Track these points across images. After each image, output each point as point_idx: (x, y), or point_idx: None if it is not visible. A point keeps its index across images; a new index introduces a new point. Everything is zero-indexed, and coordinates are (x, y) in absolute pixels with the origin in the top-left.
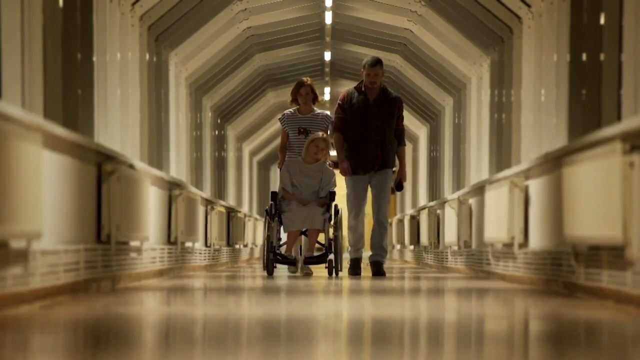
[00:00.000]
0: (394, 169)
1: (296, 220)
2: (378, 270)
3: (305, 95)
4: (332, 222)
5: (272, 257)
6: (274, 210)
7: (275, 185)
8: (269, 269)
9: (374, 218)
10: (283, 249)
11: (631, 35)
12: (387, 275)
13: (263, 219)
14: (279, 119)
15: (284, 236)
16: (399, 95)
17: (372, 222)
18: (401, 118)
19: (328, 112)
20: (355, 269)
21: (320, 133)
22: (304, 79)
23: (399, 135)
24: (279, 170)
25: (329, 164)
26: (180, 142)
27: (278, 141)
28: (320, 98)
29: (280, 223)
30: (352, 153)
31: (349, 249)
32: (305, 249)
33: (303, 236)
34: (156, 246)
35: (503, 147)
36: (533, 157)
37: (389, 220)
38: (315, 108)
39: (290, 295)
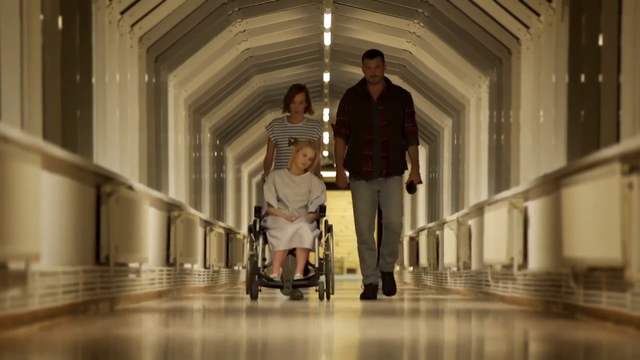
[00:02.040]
0: (405, 171)
1: (283, 239)
2: (390, 287)
3: (299, 103)
4: (323, 240)
5: (257, 279)
6: (258, 228)
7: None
8: (253, 292)
9: (383, 224)
10: (269, 270)
11: (629, 56)
12: (385, 297)
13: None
14: (266, 127)
15: (269, 256)
16: (406, 90)
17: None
18: (410, 114)
19: (318, 122)
20: (369, 294)
21: (308, 142)
22: (299, 84)
23: (410, 133)
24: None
25: (319, 176)
26: (179, 164)
27: None
28: (312, 108)
29: (265, 242)
30: (355, 158)
31: (362, 273)
32: (293, 271)
33: (291, 256)
34: (155, 268)
35: (502, 168)
36: (532, 178)
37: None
38: (306, 116)
39: (288, 317)
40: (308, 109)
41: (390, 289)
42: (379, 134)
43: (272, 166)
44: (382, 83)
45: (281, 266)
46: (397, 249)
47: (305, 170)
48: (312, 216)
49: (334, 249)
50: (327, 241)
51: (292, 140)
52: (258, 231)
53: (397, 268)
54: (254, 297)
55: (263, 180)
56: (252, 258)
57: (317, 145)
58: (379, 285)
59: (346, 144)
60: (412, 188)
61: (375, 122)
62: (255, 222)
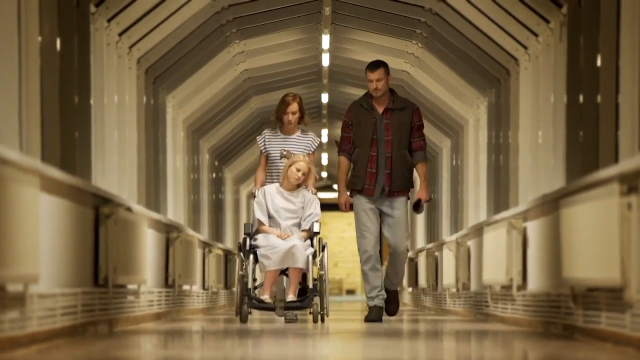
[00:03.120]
0: (412, 189)
1: (274, 258)
2: (392, 306)
3: (292, 114)
4: (317, 260)
5: (247, 301)
6: (248, 246)
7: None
8: (243, 315)
9: (389, 247)
10: (260, 292)
11: (628, 76)
12: (385, 317)
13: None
14: (258, 138)
15: (260, 276)
16: (414, 103)
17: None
18: (418, 128)
19: (314, 134)
20: (374, 317)
21: (302, 155)
22: (291, 93)
23: (417, 149)
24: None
25: (313, 192)
26: (177, 185)
27: None
28: (307, 119)
29: (256, 261)
30: (358, 175)
31: (367, 295)
32: (286, 292)
33: (283, 276)
34: (154, 289)
35: (501, 189)
36: (531, 199)
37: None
38: (301, 128)
39: (285, 338)
40: (302, 119)
41: (392, 308)
42: (383, 150)
43: (264, 180)
44: (388, 95)
45: (274, 286)
46: (402, 272)
47: (299, 186)
48: (305, 234)
49: (328, 268)
50: (321, 260)
51: (285, 153)
52: (248, 250)
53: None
54: (243, 320)
55: (253, 196)
56: (242, 278)
57: (313, 158)
58: (384, 307)
59: (350, 162)
60: (419, 207)
61: (380, 137)
62: (244, 240)
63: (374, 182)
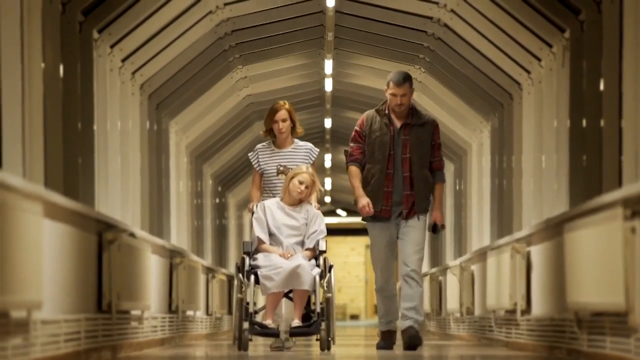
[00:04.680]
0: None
1: (277, 279)
2: (413, 342)
3: (282, 122)
4: (324, 281)
5: (248, 327)
6: (248, 266)
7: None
8: (242, 342)
9: (401, 273)
10: (260, 316)
11: (631, 101)
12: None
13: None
14: (250, 155)
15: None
16: (433, 118)
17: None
18: (438, 147)
19: (312, 145)
20: (385, 344)
21: (305, 166)
22: (280, 102)
23: (437, 169)
24: (250, 215)
25: (316, 207)
26: (180, 210)
27: None
28: (300, 130)
29: (257, 282)
30: (372, 196)
31: (379, 319)
32: (290, 316)
33: (286, 299)
34: (157, 315)
35: (504, 213)
36: (534, 223)
37: None
38: (295, 140)
39: None
40: (294, 129)
41: (413, 343)
42: (400, 168)
43: (259, 199)
44: (407, 109)
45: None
46: (418, 298)
47: (301, 200)
48: (309, 253)
49: (334, 291)
50: (328, 282)
51: (281, 169)
52: (247, 270)
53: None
54: (243, 347)
55: (252, 213)
56: (241, 302)
57: (314, 170)
58: (397, 332)
59: (362, 170)
60: (437, 229)
61: (398, 154)
62: (243, 259)
63: (391, 204)
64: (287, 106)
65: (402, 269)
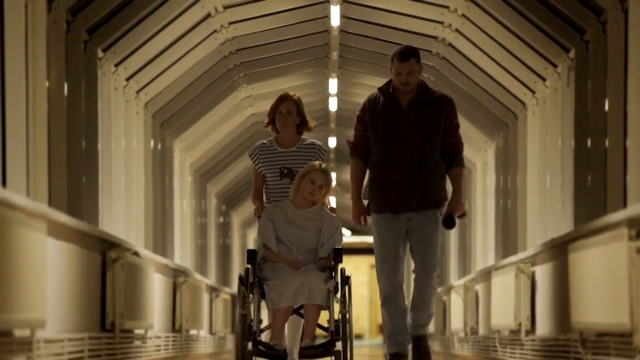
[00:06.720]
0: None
1: (286, 292)
2: (421, 353)
3: (286, 114)
4: (339, 295)
5: (252, 347)
6: (253, 278)
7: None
8: None
9: (414, 272)
10: (266, 335)
11: (636, 121)
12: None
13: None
14: (249, 154)
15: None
16: (449, 95)
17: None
18: (454, 127)
19: (319, 144)
20: None
21: (318, 162)
22: (290, 92)
23: (452, 152)
24: (257, 219)
25: (330, 209)
26: (184, 229)
27: None
28: (311, 124)
29: (263, 296)
30: (377, 184)
31: (386, 339)
32: (299, 335)
33: (296, 315)
34: (161, 334)
35: (509, 233)
36: (539, 243)
37: None
38: (302, 138)
39: None
40: (304, 126)
41: (422, 355)
42: (407, 152)
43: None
44: (416, 87)
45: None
46: (430, 306)
47: (314, 203)
48: (323, 263)
49: (351, 307)
50: (344, 296)
51: (285, 172)
52: (252, 282)
53: None
54: None
55: (258, 217)
56: (244, 319)
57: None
58: (408, 356)
59: (365, 166)
60: (451, 222)
61: (405, 136)
62: (247, 270)
63: (397, 194)
64: (295, 97)
65: (416, 276)
